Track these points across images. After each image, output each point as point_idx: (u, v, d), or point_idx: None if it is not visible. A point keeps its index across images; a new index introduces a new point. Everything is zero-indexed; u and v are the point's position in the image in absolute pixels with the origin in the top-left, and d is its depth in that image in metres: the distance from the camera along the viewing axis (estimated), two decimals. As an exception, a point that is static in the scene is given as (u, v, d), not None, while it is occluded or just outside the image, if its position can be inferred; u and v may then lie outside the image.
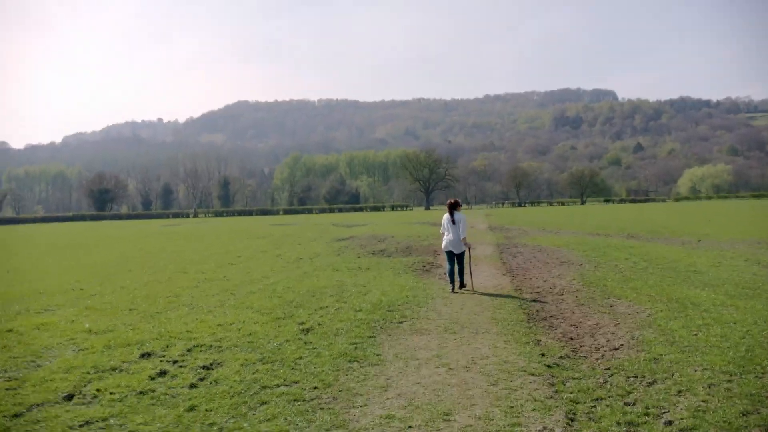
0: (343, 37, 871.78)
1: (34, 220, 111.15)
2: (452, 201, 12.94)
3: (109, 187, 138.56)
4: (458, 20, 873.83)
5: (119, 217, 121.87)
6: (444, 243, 12.77)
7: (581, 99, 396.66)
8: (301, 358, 7.25)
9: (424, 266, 16.97)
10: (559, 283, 13.10)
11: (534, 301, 11.07)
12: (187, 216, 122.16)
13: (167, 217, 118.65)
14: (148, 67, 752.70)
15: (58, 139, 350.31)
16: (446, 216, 12.77)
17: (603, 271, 14.68)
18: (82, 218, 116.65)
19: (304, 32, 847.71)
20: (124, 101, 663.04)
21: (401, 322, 9.12)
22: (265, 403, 5.75)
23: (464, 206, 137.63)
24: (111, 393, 6.06)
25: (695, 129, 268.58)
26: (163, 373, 6.71)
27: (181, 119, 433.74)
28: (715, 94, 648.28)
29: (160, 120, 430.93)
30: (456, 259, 12.64)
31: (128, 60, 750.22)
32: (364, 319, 9.14)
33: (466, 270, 13.00)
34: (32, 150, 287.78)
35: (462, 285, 12.68)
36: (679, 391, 5.82)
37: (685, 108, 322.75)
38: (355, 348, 7.66)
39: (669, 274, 13.51)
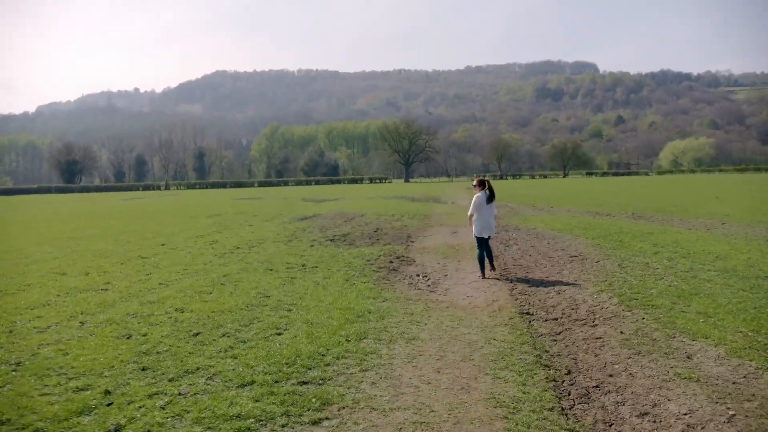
0: (323, 6, 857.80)
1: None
2: (482, 178, 11.73)
3: (78, 158, 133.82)
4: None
5: (87, 189, 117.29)
6: (477, 227, 11.23)
7: (563, 71, 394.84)
8: None
9: (390, 262, 12.88)
10: (581, 297, 9.04)
11: (553, 339, 7.01)
12: (159, 188, 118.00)
13: (138, 189, 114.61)
14: (125, 35, 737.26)
15: (32, 109, 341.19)
16: (480, 196, 11.25)
17: (634, 274, 10.66)
18: (47, 190, 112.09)
19: (285, 1, 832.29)
20: (100, 71, 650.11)
21: (317, 422, 4.71)
22: None
23: (445, 179, 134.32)
24: None
25: (676, 102, 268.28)
26: None
27: (158, 89, 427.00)
28: (695, 68, 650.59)
29: (136, 90, 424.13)
30: (486, 242, 11.36)
31: (105, 28, 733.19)
32: (244, 414, 4.72)
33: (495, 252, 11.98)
34: (4, 120, 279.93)
35: (493, 267, 11.52)
36: None
37: (666, 81, 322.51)
38: None
39: (737, 284, 9.46)
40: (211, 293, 9.43)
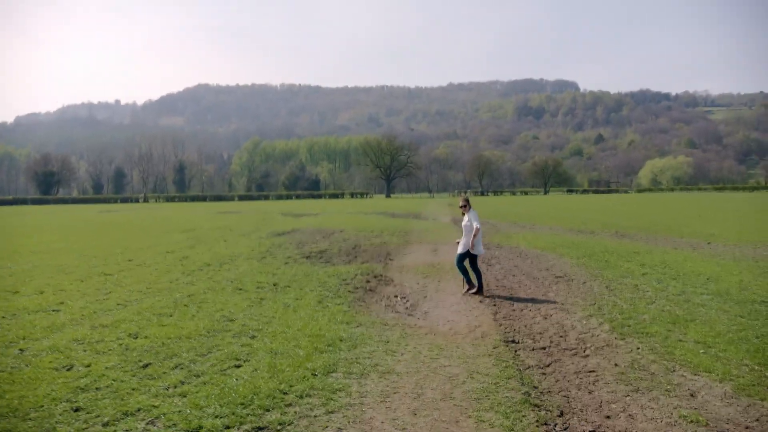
0: (307, 21, 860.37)
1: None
2: (467, 196, 11.88)
3: (55, 169, 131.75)
4: (423, 8, 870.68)
5: (64, 201, 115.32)
6: (477, 245, 11.06)
7: (544, 89, 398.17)
8: None
9: (367, 281, 12.21)
10: (569, 323, 8.44)
11: (542, 372, 6.35)
12: (137, 201, 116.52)
13: (115, 201, 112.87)
14: (107, 46, 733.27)
15: (10, 119, 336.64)
16: (475, 212, 11.20)
17: (623, 297, 10.09)
18: (23, 201, 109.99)
19: (268, 15, 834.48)
20: (81, 81, 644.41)
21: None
22: None
23: (426, 194, 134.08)
24: None
25: (655, 121, 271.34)
26: None
27: (140, 101, 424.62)
28: (674, 88, 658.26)
29: (117, 102, 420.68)
30: (473, 260, 11.19)
31: (86, 38, 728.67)
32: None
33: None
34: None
35: (472, 285, 11.13)
36: None
37: (645, 100, 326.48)
38: None
39: (733, 309, 8.89)
40: (171, 316, 8.69)
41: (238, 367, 6.15)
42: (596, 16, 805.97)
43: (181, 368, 6.13)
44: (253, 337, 7.37)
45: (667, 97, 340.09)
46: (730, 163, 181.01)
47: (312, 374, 5.89)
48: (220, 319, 8.42)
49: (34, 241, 22.89)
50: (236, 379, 5.73)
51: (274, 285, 11.59)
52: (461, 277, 11.40)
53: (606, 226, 27.10)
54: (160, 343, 7.10)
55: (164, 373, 5.98)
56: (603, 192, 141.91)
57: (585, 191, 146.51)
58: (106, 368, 6.13)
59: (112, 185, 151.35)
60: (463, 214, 11.23)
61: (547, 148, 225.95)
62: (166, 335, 7.45)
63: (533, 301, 10.20)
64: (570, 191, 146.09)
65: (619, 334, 7.66)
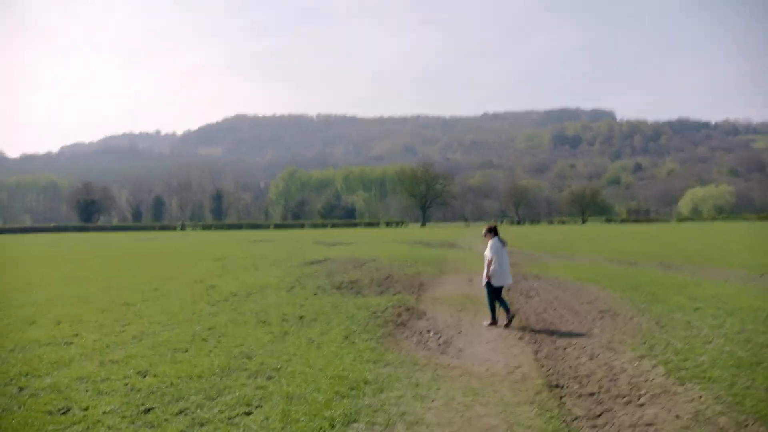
0: (342, 52, 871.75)
1: (14, 231, 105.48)
2: (492, 224, 11.25)
3: (96, 198, 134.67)
4: (458, 38, 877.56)
5: (103, 228, 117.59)
6: (498, 275, 10.57)
7: (580, 118, 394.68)
8: None
9: (399, 315, 11.54)
10: (619, 364, 7.63)
11: (593, 425, 5.51)
12: (174, 229, 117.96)
13: (154, 229, 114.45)
14: (148, 78, 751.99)
15: (55, 149, 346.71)
16: (495, 241, 10.82)
17: (676, 335, 9.24)
18: (64, 229, 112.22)
19: (305, 47, 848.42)
20: (123, 113, 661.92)
21: None
22: None
23: (461, 224, 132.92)
24: None
25: (694, 150, 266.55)
26: None
27: (179, 131, 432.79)
28: (713, 116, 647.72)
29: (157, 132, 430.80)
30: (499, 292, 10.78)
31: (128, 71, 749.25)
32: None
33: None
34: (27, 159, 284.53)
35: (509, 322, 10.55)
36: None
37: (684, 129, 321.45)
38: None
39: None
40: (186, 351, 8.15)
41: (248, 414, 5.51)
42: (632, 44, 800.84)
43: (186, 414, 5.52)
44: (269, 377, 6.75)
45: (706, 125, 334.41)
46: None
47: (330, 425, 5.22)
48: (237, 356, 7.84)
49: (66, 268, 22.79)
50: (243, 430, 5.11)
51: (300, 318, 11.00)
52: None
53: (649, 256, 26.01)
54: (169, 383, 6.52)
55: (165, 420, 5.38)
56: (642, 221, 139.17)
57: (624, 221, 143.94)
58: (104, 413, 5.56)
59: (151, 213, 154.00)
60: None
61: (584, 177, 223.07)
62: (176, 374, 6.89)
63: (577, 337, 9.41)
64: (609, 221, 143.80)
65: (677, 378, 6.84)
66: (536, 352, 8.50)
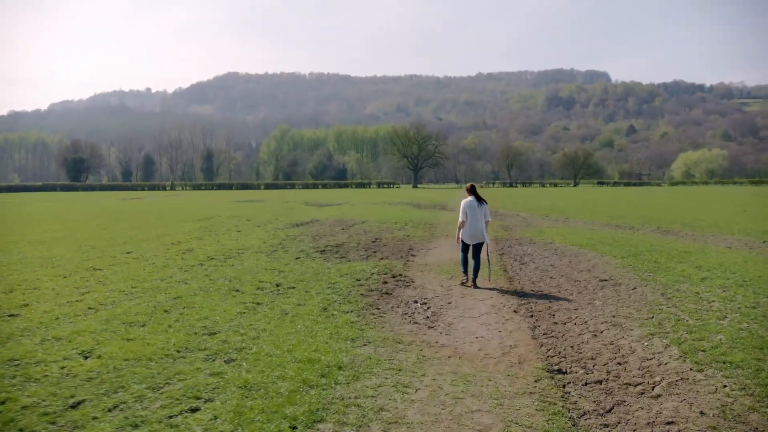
0: (336, 10, 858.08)
1: (0, 189, 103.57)
2: (472, 184, 11.23)
3: (85, 156, 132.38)
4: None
5: (92, 187, 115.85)
6: (465, 233, 10.75)
7: (575, 80, 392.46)
8: None
9: (384, 283, 10.70)
10: (626, 343, 6.81)
11: (603, 423, 4.69)
12: (164, 188, 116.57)
13: (143, 189, 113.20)
14: (138, 35, 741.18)
15: (44, 107, 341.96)
16: (468, 201, 10.75)
17: (685, 308, 8.44)
18: (52, 188, 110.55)
19: (298, 5, 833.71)
20: (113, 70, 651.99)
21: None
22: None
23: (454, 185, 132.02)
24: None
25: (688, 113, 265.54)
26: None
27: (170, 89, 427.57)
28: (708, 79, 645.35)
29: (148, 90, 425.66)
30: (473, 250, 10.80)
31: (118, 28, 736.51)
32: None
33: (485, 262, 11.28)
34: (15, 116, 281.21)
35: (475, 285, 10.59)
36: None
37: (679, 92, 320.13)
38: None
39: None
40: (143, 326, 7.26)
41: (195, 411, 4.60)
42: (627, 6, 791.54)
43: (120, 410, 4.60)
44: (229, 361, 5.85)
45: (701, 88, 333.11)
46: (767, 156, 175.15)
47: (290, 427, 4.32)
48: (199, 332, 6.96)
49: (40, 228, 21.81)
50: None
51: (277, 286, 10.14)
52: (486, 271, 11.37)
53: (646, 220, 25.24)
54: (112, 367, 5.62)
55: (94, 418, 4.46)
56: (635, 184, 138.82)
57: (616, 183, 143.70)
58: (23, 408, 4.66)
59: (141, 172, 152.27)
60: None
61: (577, 139, 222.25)
62: (124, 354, 5.99)
63: (577, 311, 8.59)
64: (601, 183, 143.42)
65: (694, 362, 6.03)
66: (533, 328, 7.67)
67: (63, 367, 5.64)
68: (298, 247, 15.90)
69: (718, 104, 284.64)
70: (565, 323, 7.92)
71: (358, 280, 10.89)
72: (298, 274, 11.47)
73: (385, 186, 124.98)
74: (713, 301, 8.92)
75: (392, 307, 8.90)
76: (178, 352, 6.14)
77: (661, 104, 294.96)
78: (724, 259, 13.27)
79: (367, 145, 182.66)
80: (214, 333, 6.93)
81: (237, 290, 9.67)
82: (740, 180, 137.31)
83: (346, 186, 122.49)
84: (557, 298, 9.50)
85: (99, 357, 5.95)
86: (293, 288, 9.97)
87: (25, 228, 22.28)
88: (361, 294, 9.61)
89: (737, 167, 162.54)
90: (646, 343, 6.80)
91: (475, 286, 10.53)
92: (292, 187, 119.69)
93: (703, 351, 6.38)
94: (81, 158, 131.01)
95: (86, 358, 5.95)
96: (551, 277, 11.47)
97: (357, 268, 12.26)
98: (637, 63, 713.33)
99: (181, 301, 8.70)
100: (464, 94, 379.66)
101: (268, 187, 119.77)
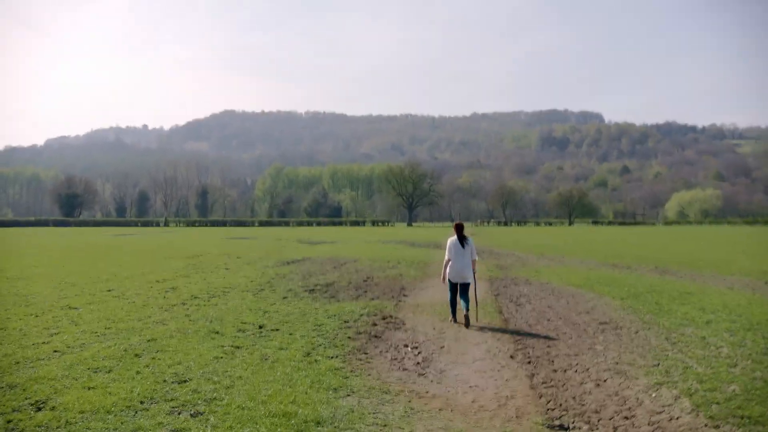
0: (332, 50, 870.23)
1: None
2: (459, 222, 11.25)
3: (79, 191, 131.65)
4: (448, 36, 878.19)
5: (85, 223, 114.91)
6: (450, 272, 10.82)
7: (568, 120, 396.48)
8: None
9: (374, 325, 10.16)
10: (632, 394, 6.28)
11: None
12: (158, 225, 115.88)
13: (136, 225, 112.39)
14: (136, 72, 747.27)
15: (41, 142, 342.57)
16: (453, 239, 10.93)
17: (693, 355, 7.92)
18: (45, 223, 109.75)
19: (294, 44, 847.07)
20: (110, 106, 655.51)
21: None
22: None
23: (449, 223, 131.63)
24: None
25: (681, 153, 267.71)
26: None
27: (167, 126, 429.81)
28: (700, 120, 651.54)
29: (145, 126, 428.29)
30: (460, 289, 10.76)
31: (115, 64, 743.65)
32: None
33: (473, 301, 11.07)
34: (11, 152, 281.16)
35: (467, 323, 10.36)
36: None
37: (671, 132, 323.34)
38: None
39: None
40: (110, 372, 6.67)
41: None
42: (621, 48, 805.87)
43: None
44: (195, 414, 5.25)
45: (693, 129, 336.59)
46: (759, 196, 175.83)
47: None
48: (168, 379, 6.38)
49: (19, 264, 21.18)
50: None
51: (260, 327, 9.58)
52: (474, 313, 11.10)
53: (642, 260, 24.82)
54: (64, 421, 5.02)
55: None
56: (629, 224, 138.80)
57: (611, 223, 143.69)
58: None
59: (135, 209, 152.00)
60: None
61: (571, 178, 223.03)
62: (80, 406, 5.40)
63: (577, 356, 8.07)
64: (595, 222, 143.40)
65: (708, 417, 5.49)
66: (532, 376, 7.13)
67: (9, 421, 5.05)
68: (287, 286, 15.36)
69: (711, 145, 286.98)
70: (565, 371, 7.39)
71: (346, 321, 10.34)
72: (283, 314, 10.91)
73: (380, 224, 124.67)
74: (721, 346, 8.41)
75: (381, 351, 8.36)
76: (142, 403, 5.56)
77: (654, 145, 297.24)
78: (727, 300, 12.78)
79: (362, 183, 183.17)
80: (185, 381, 6.35)
81: (217, 332, 9.11)
82: (734, 220, 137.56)
83: (340, 224, 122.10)
84: (556, 343, 8.96)
85: (52, 408, 5.36)
86: (277, 330, 9.41)
87: (6, 263, 21.65)
88: (349, 337, 9.06)
89: (730, 207, 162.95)
90: (653, 394, 6.27)
91: (468, 325, 10.31)
92: (287, 224, 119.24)
93: (717, 404, 5.85)
94: (75, 194, 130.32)
95: (39, 409, 5.36)
96: (548, 320, 10.94)
97: (346, 308, 11.72)
98: (630, 104, 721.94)
99: (154, 344, 8.12)
100: (459, 133, 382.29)
101: (262, 224, 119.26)
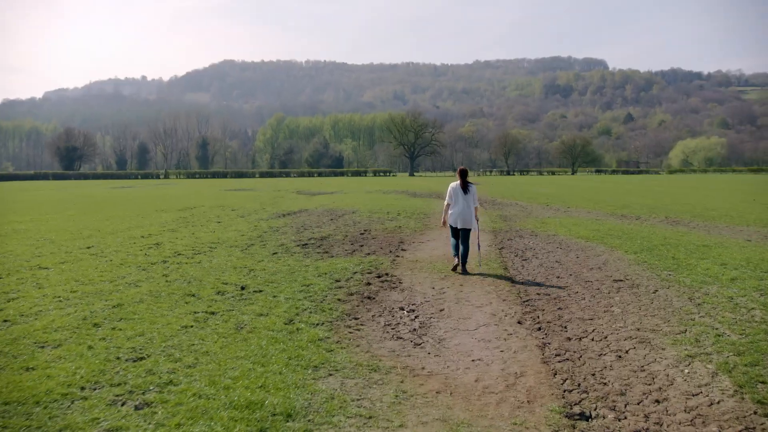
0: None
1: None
2: (463, 167, 10.98)
3: (78, 144, 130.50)
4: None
5: (85, 176, 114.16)
6: (451, 217, 10.64)
7: (572, 67, 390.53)
8: None
9: (368, 284, 9.30)
10: (662, 369, 5.40)
11: None
12: (158, 177, 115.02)
13: (136, 177, 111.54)
14: (134, 22, 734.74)
15: (39, 95, 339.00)
16: (455, 185, 10.74)
17: (723, 319, 7.02)
18: (45, 176, 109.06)
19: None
20: (109, 57, 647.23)
21: None
22: None
23: (451, 173, 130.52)
24: None
25: (686, 101, 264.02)
26: None
27: (165, 77, 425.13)
28: (706, 67, 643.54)
29: (144, 78, 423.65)
30: (462, 235, 10.57)
31: (113, 14, 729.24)
32: None
33: (472, 249, 11.26)
34: (10, 105, 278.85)
35: (465, 270, 10.46)
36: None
37: (676, 79, 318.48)
38: None
39: None
40: (58, 347, 5.79)
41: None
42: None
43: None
44: (141, 406, 4.32)
45: (699, 76, 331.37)
46: (765, 143, 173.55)
47: None
48: (123, 356, 5.48)
49: (8, 219, 20.32)
50: None
51: (242, 289, 8.70)
52: (476, 259, 11.38)
53: (652, 210, 23.86)
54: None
55: None
56: (633, 172, 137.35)
57: (614, 171, 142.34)
58: None
59: (135, 161, 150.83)
60: None
61: (575, 127, 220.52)
62: (6, 395, 4.52)
63: (593, 321, 7.19)
64: (599, 171, 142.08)
65: (757, 403, 4.60)
66: (543, 346, 6.24)
67: None
68: (278, 241, 14.49)
69: (716, 92, 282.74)
70: (580, 339, 6.51)
71: (337, 281, 9.48)
72: (270, 273, 10.04)
73: (382, 174, 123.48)
74: (753, 308, 7.52)
75: (373, 315, 7.49)
76: (82, 389, 4.66)
77: (658, 92, 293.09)
78: (749, 254, 11.87)
79: (364, 133, 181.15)
80: (142, 358, 5.45)
81: (193, 295, 8.23)
82: (739, 168, 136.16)
83: (342, 174, 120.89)
84: (568, 304, 8.07)
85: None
86: (260, 292, 8.54)
87: (-9, 219, 20.78)
88: (339, 299, 8.19)
89: (735, 155, 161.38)
90: (686, 370, 5.38)
91: (464, 272, 10.39)
92: (288, 175, 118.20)
93: (764, 383, 4.97)
94: (74, 146, 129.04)
95: None
96: (558, 277, 10.06)
97: (339, 265, 10.85)
98: (634, 51, 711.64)
99: (119, 311, 7.24)
100: (461, 82, 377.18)
101: (263, 175, 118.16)
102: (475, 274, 10.21)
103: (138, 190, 50.07)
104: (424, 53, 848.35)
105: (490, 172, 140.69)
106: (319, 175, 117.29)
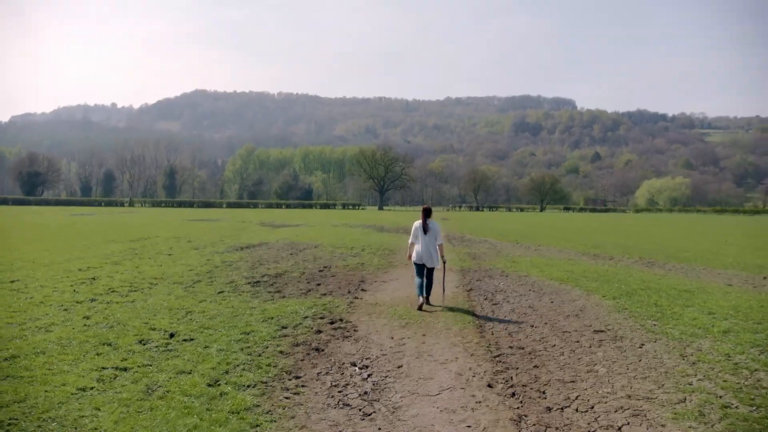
0: (306, 30, 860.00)
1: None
2: (427, 206, 10.90)
3: (41, 170, 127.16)
4: (423, 21, 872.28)
5: (46, 202, 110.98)
6: (416, 255, 10.47)
7: (541, 106, 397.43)
8: None
9: (318, 332, 8.14)
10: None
11: None
12: (122, 205, 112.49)
13: (99, 204, 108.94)
14: (105, 48, 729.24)
15: (5, 119, 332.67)
16: (418, 223, 10.61)
17: (724, 383, 6.04)
18: (4, 202, 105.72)
19: (268, 22, 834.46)
20: (78, 83, 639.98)
21: None
22: None
23: (419, 208, 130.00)
24: None
25: (652, 142, 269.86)
26: None
27: (136, 105, 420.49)
28: (671, 109, 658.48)
29: (113, 105, 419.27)
30: (426, 272, 10.42)
31: (84, 40, 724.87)
32: None
33: (437, 289, 10.91)
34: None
35: (428, 301, 10.41)
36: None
37: (642, 120, 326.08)
38: None
39: None
40: None
41: None
42: (594, 35, 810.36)
43: None
44: None
45: (663, 117, 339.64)
46: (728, 185, 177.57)
47: None
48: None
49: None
50: None
51: (171, 336, 7.49)
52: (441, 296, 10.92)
53: (624, 250, 23.15)
54: None
55: None
56: (600, 211, 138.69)
57: (582, 209, 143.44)
58: None
59: (100, 188, 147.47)
60: None
61: (543, 164, 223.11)
62: None
63: (575, 384, 6.14)
64: (567, 209, 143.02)
65: None
66: (519, 420, 5.15)
67: None
68: (228, 277, 13.27)
69: (680, 134, 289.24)
70: (562, 409, 5.44)
71: (284, 327, 8.32)
72: (208, 317, 8.83)
73: (351, 207, 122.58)
74: (756, 370, 6.56)
75: (319, 373, 6.35)
76: None
77: (625, 132, 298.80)
78: (735, 301, 10.98)
79: (334, 166, 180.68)
80: (6, 439, 4.26)
81: (109, 344, 6.99)
82: (703, 208, 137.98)
83: (310, 206, 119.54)
84: (545, 361, 7.01)
85: None
86: (190, 340, 7.33)
87: None
88: (281, 351, 7.03)
89: (699, 196, 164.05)
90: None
91: (428, 303, 10.42)
92: (255, 206, 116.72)
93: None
94: (37, 172, 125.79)
95: None
96: (532, 326, 9.01)
97: (288, 308, 9.68)
98: (602, 91, 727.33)
99: (9, 366, 5.96)
100: (432, 117, 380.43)
101: (230, 206, 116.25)
102: (440, 323, 9.10)
103: (97, 217, 48.22)
104: (397, 88, 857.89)
105: (460, 207, 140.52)
106: (287, 206, 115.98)
